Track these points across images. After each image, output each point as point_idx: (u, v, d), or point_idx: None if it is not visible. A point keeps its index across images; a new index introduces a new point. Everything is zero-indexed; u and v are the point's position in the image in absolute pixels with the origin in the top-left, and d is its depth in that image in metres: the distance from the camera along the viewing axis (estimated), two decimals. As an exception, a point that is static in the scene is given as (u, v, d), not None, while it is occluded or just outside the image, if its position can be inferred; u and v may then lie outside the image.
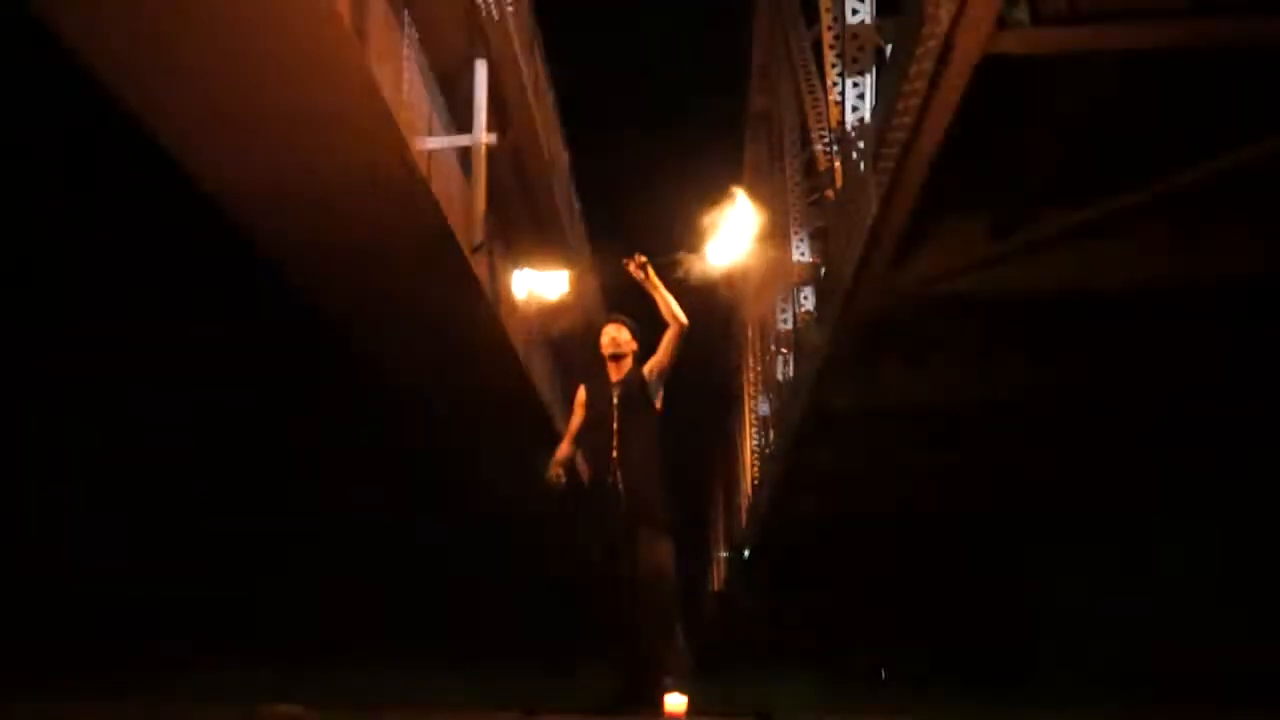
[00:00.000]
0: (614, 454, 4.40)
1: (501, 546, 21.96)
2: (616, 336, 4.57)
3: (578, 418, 4.63)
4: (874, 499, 13.56)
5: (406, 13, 7.94)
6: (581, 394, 4.66)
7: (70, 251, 13.90)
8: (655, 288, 4.38)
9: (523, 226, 11.93)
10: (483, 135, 8.64)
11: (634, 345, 4.59)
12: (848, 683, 11.43)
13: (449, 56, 8.89)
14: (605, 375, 4.59)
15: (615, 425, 4.44)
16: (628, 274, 4.40)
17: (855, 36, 8.70)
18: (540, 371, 15.14)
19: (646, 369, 4.52)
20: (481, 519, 20.63)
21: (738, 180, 21.65)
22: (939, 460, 11.93)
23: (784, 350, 16.04)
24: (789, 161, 14.99)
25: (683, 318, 4.43)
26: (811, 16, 12.09)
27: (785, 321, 15.80)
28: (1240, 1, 5.05)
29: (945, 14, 4.97)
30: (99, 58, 6.83)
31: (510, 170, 10.38)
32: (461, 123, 8.97)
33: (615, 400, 4.49)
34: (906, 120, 5.95)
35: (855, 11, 8.72)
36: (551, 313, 4.84)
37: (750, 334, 22.01)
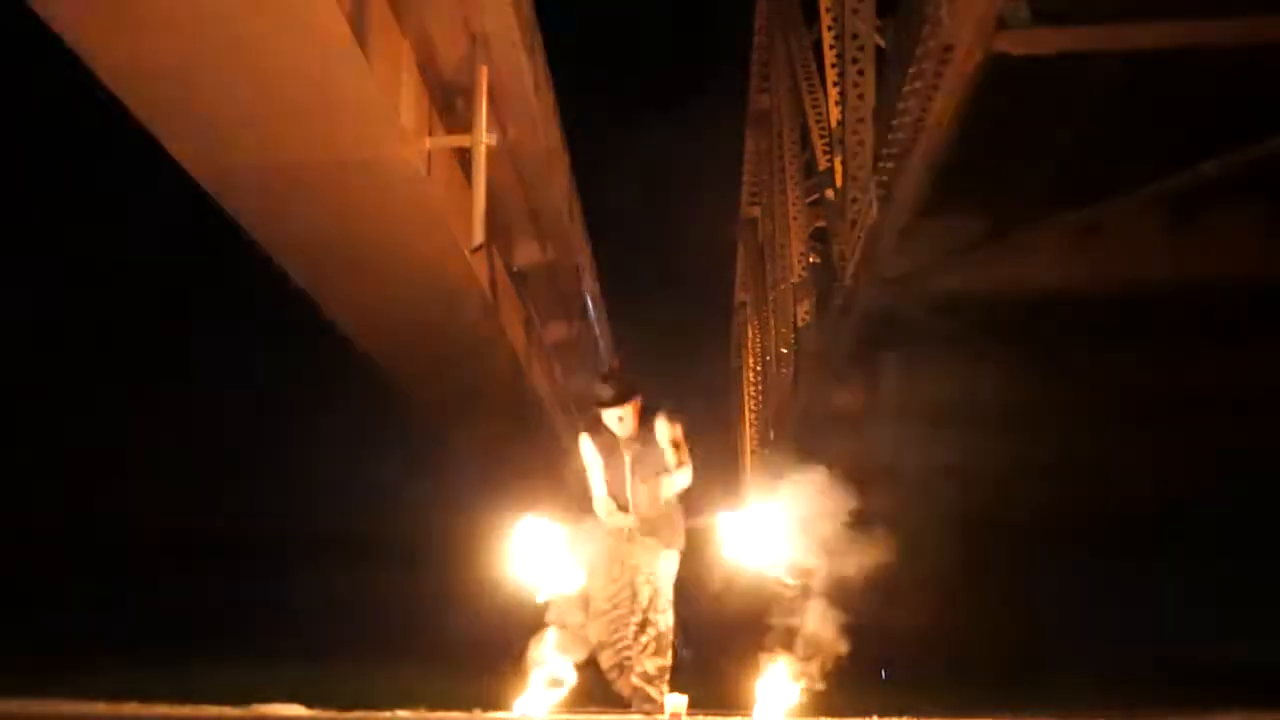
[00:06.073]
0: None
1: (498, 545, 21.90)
2: (625, 418, 4.26)
3: (597, 474, 4.37)
4: (873, 499, 13.54)
5: (407, 12, 7.93)
6: (588, 446, 4.37)
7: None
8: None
9: (523, 226, 11.93)
10: (483, 135, 8.61)
11: (638, 403, 4.28)
12: (848, 683, 11.40)
13: (449, 57, 8.88)
14: (608, 433, 4.31)
15: (629, 489, 4.31)
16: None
17: (855, 36, 8.69)
18: (539, 371, 15.15)
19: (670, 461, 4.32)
20: (478, 518, 20.61)
21: (737, 179, 21.71)
22: (938, 460, 11.93)
23: (784, 350, 16.03)
24: (789, 161, 14.98)
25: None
26: (811, 16, 12.08)
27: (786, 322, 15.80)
28: (1240, 2, 5.05)
29: (945, 14, 4.97)
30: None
31: (510, 170, 10.36)
32: (461, 123, 8.96)
33: (628, 462, 4.32)
34: (906, 120, 5.96)
35: (855, 11, 8.71)
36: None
37: (751, 334, 22.02)
